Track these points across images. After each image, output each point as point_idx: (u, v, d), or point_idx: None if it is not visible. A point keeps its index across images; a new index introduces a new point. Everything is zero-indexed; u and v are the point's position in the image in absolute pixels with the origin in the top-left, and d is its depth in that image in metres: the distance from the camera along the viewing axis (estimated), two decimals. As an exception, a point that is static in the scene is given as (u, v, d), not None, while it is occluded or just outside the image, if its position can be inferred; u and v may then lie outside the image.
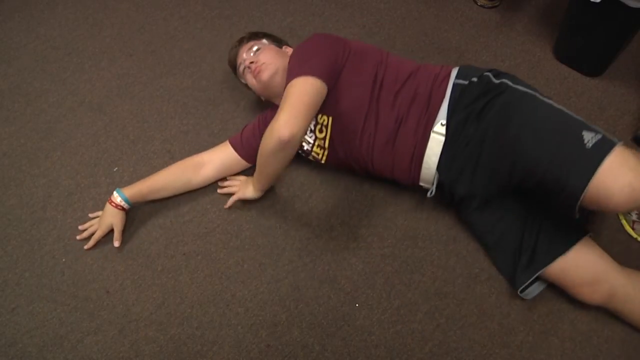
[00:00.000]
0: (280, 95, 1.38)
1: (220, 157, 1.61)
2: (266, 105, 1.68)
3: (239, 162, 1.61)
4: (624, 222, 1.53)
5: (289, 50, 1.64)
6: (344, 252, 1.51)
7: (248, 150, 1.59)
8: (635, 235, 1.50)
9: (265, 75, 1.52)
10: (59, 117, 1.82)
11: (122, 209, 1.52)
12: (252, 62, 1.56)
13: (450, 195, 1.45)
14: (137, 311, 1.43)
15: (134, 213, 1.59)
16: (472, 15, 2.09)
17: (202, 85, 1.90)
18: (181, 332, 1.40)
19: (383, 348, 1.36)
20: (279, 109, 1.29)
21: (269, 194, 1.62)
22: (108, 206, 1.52)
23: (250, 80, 1.60)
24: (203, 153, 1.62)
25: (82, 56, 2.00)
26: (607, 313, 1.37)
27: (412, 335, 1.38)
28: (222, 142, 1.66)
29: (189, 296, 1.45)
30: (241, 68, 1.62)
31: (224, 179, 1.64)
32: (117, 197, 1.51)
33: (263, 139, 1.32)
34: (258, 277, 1.48)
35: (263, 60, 1.54)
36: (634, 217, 1.52)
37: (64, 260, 1.52)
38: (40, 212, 1.61)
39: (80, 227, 1.56)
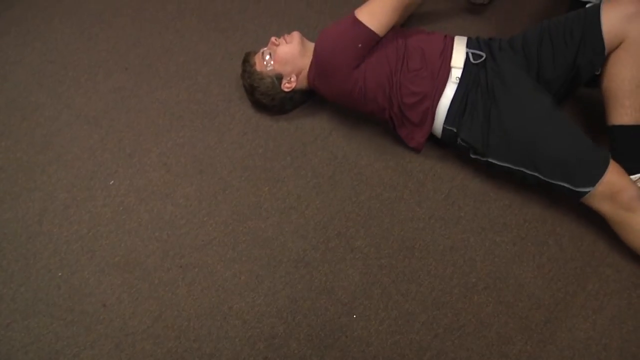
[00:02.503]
0: (303, 67, 1.68)
1: None
2: (263, 115, 1.68)
3: None
4: None
5: None
6: (341, 263, 1.51)
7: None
8: None
9: (296, 34, 1.70)
10: (54, 130, 1.82)
11: None
12: (275, 39, 1.71)
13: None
14: (134, 325, 1.43)
15: (130, 225, 1.59)
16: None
17: (198, 98, 1.91)
18: (178, 345, 1.39)
19: (381, 359, 1.36)
20: None
21: (265, 205, 1.62)
22: None
23: (280, 50, 1.69)
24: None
25: (78, 70, 2.01)
26: (606, 320, 1.37)
27: (410, 345, 1.38)
28: (218, 154, 1.69)
29: (186, 309, 1.45)
30: (262, 51, 1.72)
31: None
32: None
33: None
34: (255, 289, 1.48)
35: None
36: None
37: (60, 274, 1.51)
38: (36, 226, 1.60)
39: None
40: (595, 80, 1.50)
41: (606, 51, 1.42)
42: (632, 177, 1.46)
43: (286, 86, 1.72)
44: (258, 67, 1.72)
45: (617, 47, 1.42)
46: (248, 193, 1.66)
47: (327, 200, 1.64)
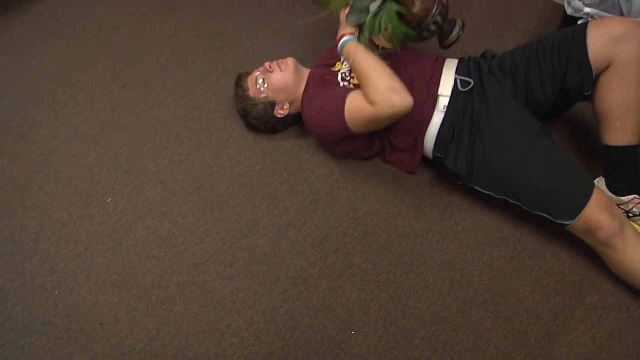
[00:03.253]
0: (296, 96, 1.70)
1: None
2: (263, 137, 1.69)
3: None
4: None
5: None
6: (338, 280, 1.51)
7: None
8: None
9: (290, 62, 1.70)
10: (52, 148, 1.83)
11: None
12: (269, 65, 1.71)
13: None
14: (131, 343, 1.41)
15: (127, 242, 1.59)
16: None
17: (195, 115, 1.92)
18: (176, 363, 1.38)
19: (380, 376, 1.36)
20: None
21: (262, 222, 1.62)
22: None
23: (273, 78, 1.69)
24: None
25: (75, 88, 2.01)
26: (605, 334, 1.37)
27: (409, 362, 1.37)
28: (215, 171, 1.70)
29: (184, 327, 1.44)
30: (255, 76, 1.72)
31: None
32: None
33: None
34: (253, 306, 1.47)
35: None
36: None
37: (56, 292, 1.50)
38: (33, 245, 1.60)
39: None
40: (589, 96, 1.50)
41: (594, 73, 1.42)
42: (624, 198, 1.48)
43: (279, 112, 1.73)
44: (251, 92, 1.72)
45: (605, 69, 1.41)
46: (245, 210, 1.66)
47: (325, 216, 1.64)
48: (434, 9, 1.44)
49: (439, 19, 1.46)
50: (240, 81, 1.76)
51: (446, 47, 1.53)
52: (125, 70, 2.08)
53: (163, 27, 2.24)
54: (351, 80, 1.63)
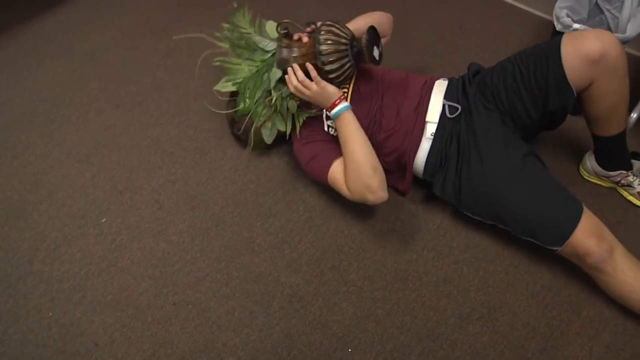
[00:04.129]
0: None
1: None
2: (258, 154, 1.69)
3: None
4: (629, 197, 1.64)
5: None
6: (334, 297, 1.51)
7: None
8: None
9: None
10: (46, 168, 1.83)
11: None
12: None
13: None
14: (127, 364, 1.40)
15: (122, 262, 1.58)
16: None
17: (189, 134, 1.92)
18: (172, 384, 1.37)
19: (378, 393, 1.35)
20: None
21: (257, 240, 1.62)
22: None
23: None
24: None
25: (70, 108, 2.02)
26: (602, 348, 1.37)
27: (407, 379, 1.37)
28: (210, 190, 1.70)
29: (180, 347, 1.43)
30: None
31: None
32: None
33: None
34: (249, 324, 1.46)
35: None
36: (638, 187, 1.61)
37: (50, 314, 1.49)
38: (26, 266, 1.59)
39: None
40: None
41: (576, 93, 1.40)
42: (612, 172, 1.62)
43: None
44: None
45: (587, 86, 1.39)
46: (240, 228, 1.66)
47: (320, 233, 1.64)
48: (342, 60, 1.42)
49: (346, 64, 1.43)
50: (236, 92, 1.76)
51: (377, 63, 1.47)
52: (120, 90, 2.09)
53: (157, 47, 2.26)
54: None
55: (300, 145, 1.65)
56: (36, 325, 1.47)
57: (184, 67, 2.16)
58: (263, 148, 1.80)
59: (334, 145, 1.57)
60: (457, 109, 1.55)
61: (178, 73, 2.14)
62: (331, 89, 1.45)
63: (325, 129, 1.63)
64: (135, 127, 1.95)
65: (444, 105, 1.56)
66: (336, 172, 1.53)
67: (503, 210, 1.44)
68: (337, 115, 1.47)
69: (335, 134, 1.59)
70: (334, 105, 1.47)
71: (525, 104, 1.47)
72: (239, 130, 1.74)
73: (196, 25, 2.33)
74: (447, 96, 1.58)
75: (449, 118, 1.54)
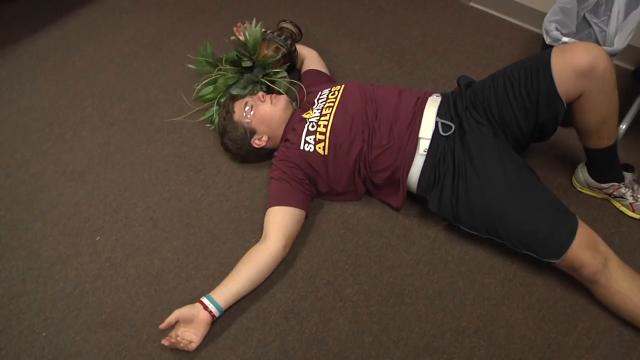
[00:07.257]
0: (277, 134, 1.74)
1: (279, 224, 1.56)
2: (252, 170, 1.69)
3: (297, 217, 1.59)
4: (622, 208, 1.65)
5: None
6: (330, 313, 1.50)
7: (300, 200, 1.60)
8: (637, 216, 1.63)
9: (282, 99, 1.75)
10: (40, 187, 1.82)
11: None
12: (262, 96, 1.76)
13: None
14: (122, 384, 1.39)
15: (117, 281, 1.57)
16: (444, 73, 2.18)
17: (183, 151, 1.93)
18: (167, 404, 1.36)
19: (375, 410, 1.34)
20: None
21: (253, 256, 1.61)
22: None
23: (261, 108, 1.73)
24: (263, 238, 1.56)
25: (64, 126, 2.02)
26: (602, 355, 1.37)
27: (404, 394, 1.36)
28: (204, 207, 1.69)
29: (175, 366, 1.42)
30: (245, 101, 1.75)
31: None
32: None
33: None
34: (245, 342, 1.46)
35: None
36: (630, 199, 1.62)
37: (44, 334, 1.48)
38: (20, 285, 1.58)
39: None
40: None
41: (566, 104, 1.42)
42: (604, 185, 1.63)
43: (256, 143, 1.75)
44: (236, 116, 1.74)
45: (577, 98, 1.41)
46: (235, 245, 1.65)
47: (315, 249, 1.64)
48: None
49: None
50: (230, 102, 1.79)
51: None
52: (114, 107, 2.09)
53: (150, 65, 2.27)
54: (317, 129, 1.63)
55: (277, 160, 1.68)
56: (29, 346, 1.46)
57: (177, 84, 2.17)
58: (253, 162, 1.84)
59: (301, 192, 1.62)
60: (451, 127, 1.56)
61: (172, 90, 2.15)
62: None
63: (301, 146, 1.64)
64: (129, 144, 1.96)
65: (436, 123, 1.57)
66: (277, 216, 1.57)
67: (501, 225, 1.45)
68: (218, 304, 1.44)
69: (311, 150, 1.62)
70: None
71: (517, 116, 1.49)
72: (231, 140, 1.76)
73: (190, 42, 2.36)
74: (440, 114, 1.59)
75: (442, 136, 1.55)
